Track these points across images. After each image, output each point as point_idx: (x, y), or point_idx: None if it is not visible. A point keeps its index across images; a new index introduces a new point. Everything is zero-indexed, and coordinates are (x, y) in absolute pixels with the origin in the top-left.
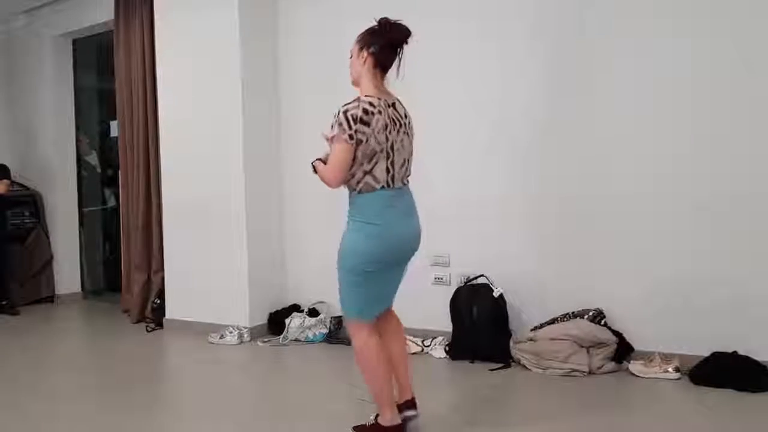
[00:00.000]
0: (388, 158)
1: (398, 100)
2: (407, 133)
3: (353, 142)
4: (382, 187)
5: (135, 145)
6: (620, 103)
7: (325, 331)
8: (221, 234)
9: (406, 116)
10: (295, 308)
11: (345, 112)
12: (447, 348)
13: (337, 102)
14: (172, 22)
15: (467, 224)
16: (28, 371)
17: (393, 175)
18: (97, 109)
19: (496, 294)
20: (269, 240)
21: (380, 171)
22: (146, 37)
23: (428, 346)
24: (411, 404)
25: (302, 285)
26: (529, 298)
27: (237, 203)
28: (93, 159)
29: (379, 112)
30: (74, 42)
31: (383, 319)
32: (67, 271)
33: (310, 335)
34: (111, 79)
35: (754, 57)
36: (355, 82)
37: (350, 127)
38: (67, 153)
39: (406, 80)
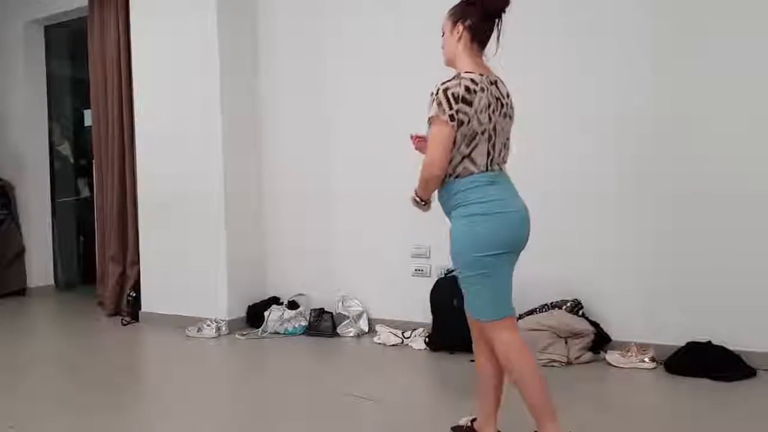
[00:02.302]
0: (489, 140)
1: (499, 79)
2: (509, 115)
3: (454, 123)
4: (481, 171)
5: (110, 135)
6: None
7: (304, 323)
8: (199, 225)
9: (508, 96)
10: (275, 301)
11: (445, 91)
12: (427, 339)
13: (318, 100)
14: (149, 9)
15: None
16: None
17: (492, 159)
18: (70, 98)
19: None
20: (248, 231)
21: (480, 155)
22: (121, 24)
23: (408, 337)
24: None
25: (282, 277)
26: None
27: (216, 193)
28: (65, 149)
29: (482, 90)
30: (46, 29)
31: (507, 333)
32: (40, 264)
33: (290, 328)
34: (85, 67)
35: None
36: (450, 62)
37: (451, 107)
38: (39, 143)
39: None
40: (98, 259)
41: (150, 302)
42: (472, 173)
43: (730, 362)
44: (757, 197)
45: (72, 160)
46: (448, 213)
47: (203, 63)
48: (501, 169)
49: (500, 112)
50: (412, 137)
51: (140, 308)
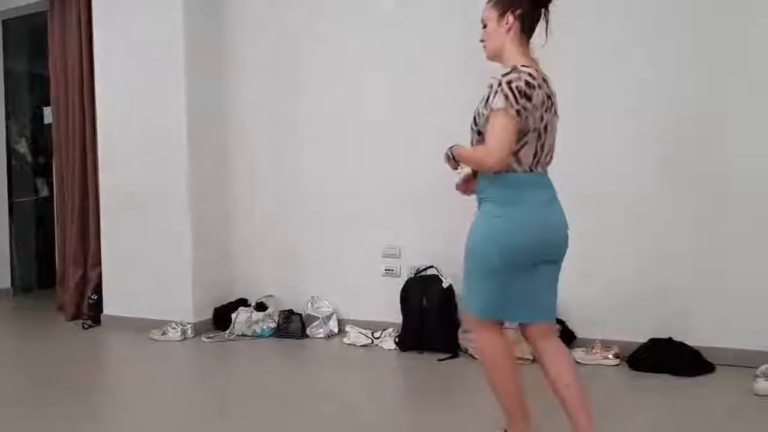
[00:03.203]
0: (539, 140)
1: (547, 75)
2: (557, 114)
3: (520, 118)
4: (524, 171)
5: (70, 133)
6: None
7: (273, 325)
8: (163, 225)
9: (555, 94)
10: (242, 302)
11: (509, 83)
12: (397, 339)
13: (286, 101)
14: (112, 5)
15: (418, 215)
16: None
17: (539, 160)
18: (28, 95)
19: (445, 285)
20: (215, 231)
21: (527, 154)
22: (83, 20)
23: (378, 338)
24: None
25: (250, 278)
26: None
27: (180, 193)
28: (22, 146)
29: (539, 86)
30: (4, 23)
31: (538, 339)
32: None
33: (258, 330)
34: (44, 63)
35: None
36: (495, 56)
37: (517, 101)
38: None
39: None
40: (58, 261)
41: (112, 305)
42: (515, 171)
43: (690, 358)
44: (713, 198)
45: (30, 159)
46: (480, 201)
47: (168, 62)
48: (545, 171)
49: (550, 111)
50: (458, 187)
51: (102, 311)
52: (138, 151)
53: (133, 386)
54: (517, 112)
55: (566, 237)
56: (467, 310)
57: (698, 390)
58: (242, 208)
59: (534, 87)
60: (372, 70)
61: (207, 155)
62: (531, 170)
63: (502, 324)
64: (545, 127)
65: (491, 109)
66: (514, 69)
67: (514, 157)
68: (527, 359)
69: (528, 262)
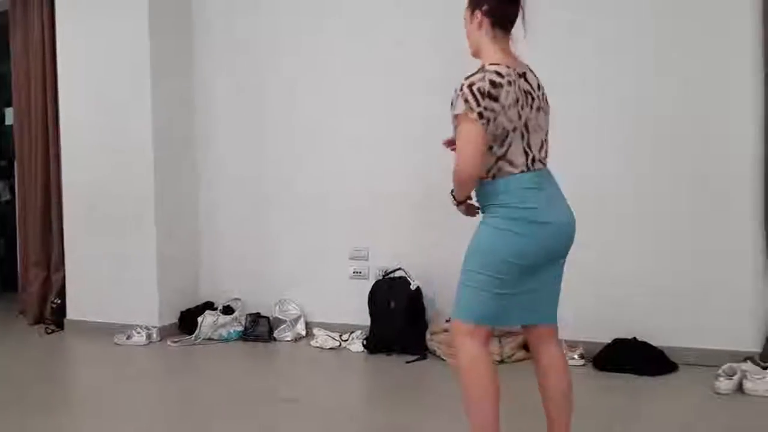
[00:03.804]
0: (523, 139)
1: (529, 69)
2: (542, 109)
3: (484, 121)
4: (522, 171)
5: (33, 134)
6: None
7: (240, 328)
8: (128, 228)
9: (539, 88)
10: (209, 306)
11: (470, 86)
12: (364, 342)
13: (253, 102)
14: (75, 6)
15: (386, 218)
16: None
17: (533, 158)
18: None
19: (412, 287)
20: (180, 234)
21: (517, 154)
22: (46, 21)
23: (346, 340)
24: None
25: (216, 282)
26: (445, 290)
27: (146, 196)
28: None
29: (509, 83)
30: None
31: (538, 342)
32: None
33: (224, 333)
34: (6, 64)
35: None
36: (475, 54)
37: (478, 104)
38: None
39: None
40: (20, 265)
41: (76, 309)
42: (512, 173)
43: (653, 358)
44: (674, 198)
45: None
46: (482, 209)
47: (133, 63)
48: (544, 168)
49: (531, 107)
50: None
51: (65, 316)
52: (102, 153)
53: (97, 391)
54: (479, 114)
55: (573, 232)
56: (459, 319)
57: (662, 389)
58: (209, 210)
59: (501, 86)
60: (340, 73)
61: (173, 157)
62: (528, 169)
63: (490, 335)
64: (526, 125)
65: (453, 115)
66: (481, 69)
67: (504, 161)
68: (495, 360)
69: (533, 266)
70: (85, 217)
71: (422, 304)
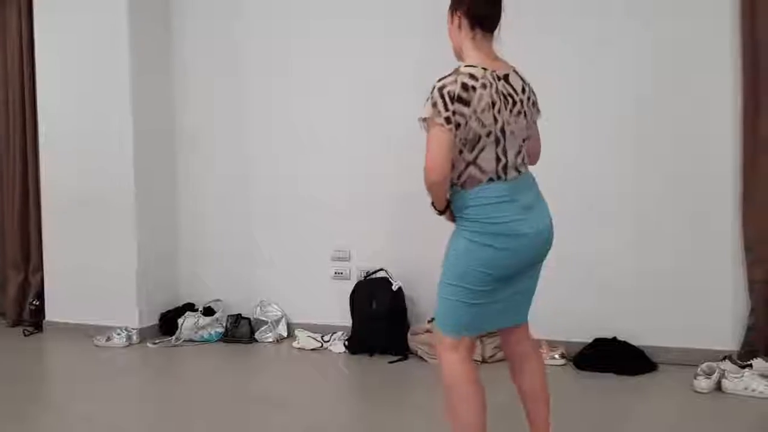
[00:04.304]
0: (497, 144)
1: (515, 71)
2: (524, 113)
3: (452, 126)
4: (491, 179)
5: (10, 133)
6: None
7: (220, 330)
8: (108, 229)
9: (524, 91)
10: (189, 307)
11: (441, 89)
12: (346, 343)
13: (235, 101)
14: (54, 4)
15: (368, 218)
16: None
17: (506, 165)
18: None
19: (394, 287)
20: (160, 235)
21: (488, 160)
22: (24, 11)
23: (328, 341)
24: None
25: (197, 283)
26: (427, 291)
27: (126, 197)
28: None
29: (483, 86)
30: None
31: (515, 342)
32: None
33: (205, 335)
34: None
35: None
36: (457, 55)
37: (446, 108)
38: None
39: None
40: None
41: (55, 311)
42: (480, 182)
43: (633, 358)
44: (655, 199)
45: None
46: (457, 218)
47: (112, 59)
48: (520, 173)
49: (511, 111)
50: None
51: (44, 318)
52: (81, 154)
53: (75, 394)
54: (447, 119)
55: (551, 238)
56: (441, 332)
57: (642, 388)
58: (189, 211)
59: (474, 89)
60: (323, 74)
61: (153, 157)
62: (499, 176)
63: (473, 347)
64: (502, 130)
65: (420, 119)
66: (455, 72)
67: (474, 166)
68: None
69: (506, 278)
70: (64, 218)
71: (404, 304)
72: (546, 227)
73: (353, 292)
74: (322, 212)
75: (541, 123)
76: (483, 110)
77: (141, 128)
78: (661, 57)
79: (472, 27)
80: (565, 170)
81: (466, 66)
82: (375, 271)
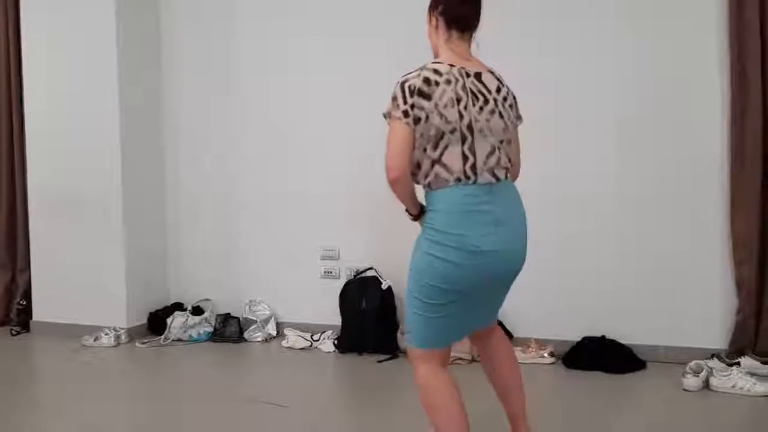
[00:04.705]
0: (463, 141)
1: (491, 71)
2: (499, 113)
3: (409, 119)
4: (458, 179)
5: None
6: None
7: (209, 329)
8: (96, 229)
9: (499, 91)
10: (178, 307)
11: (403, 83)
12: (336, 342)
13: (222, 99)
14: (41, 1)
15: (357, 217)
16: None
17: (474, 164)
18: None
19: (384, 286)
20: (149, 235)
21: (453, 159)
22: (10, 16)
23: (317, 340)
24: None
25: (186, 282)
26: None
27: (113, 197)
28: None
29: (447, 82)
30: None
31: (486, 342)
32: None
33: (194, 334)
34: None
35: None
36: (435, 54)
37: (405, 101)
38: None
39: None
40: None
41: (42, 311)
42: (447, 183)
43: (622, 356)
44: (642, 199)
45: None
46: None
47: (100, 58)
48: (497, 179)
49: (482, 108)
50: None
51: (31, 317)
52: (69, 151)
53: (63, 394)
54: (404, 113)
55: (520, 258)
56: (409, 344)
57: (631, 387)
58: (177, 210)
59: (437, 83)
60: (310, 72)
61: (141, 156)
62: (467, 177)
63: (447, 356)
64: (469, 126)
65: (383, 114)
66: (421, 67)
67: (440, 165)
68: (466, 359)
69: (471, 290)
70: (51, 217)
71: (393, 303)
72: (518, 246)
73: (342, 291)
74: (312, 211)
75: (528, 127)
76: (446, 105)
77: (129, 127)
78: (649, 59)
79: (448, 27)
80: (555, 171)
81: (432, 62)
82: (364, 270)
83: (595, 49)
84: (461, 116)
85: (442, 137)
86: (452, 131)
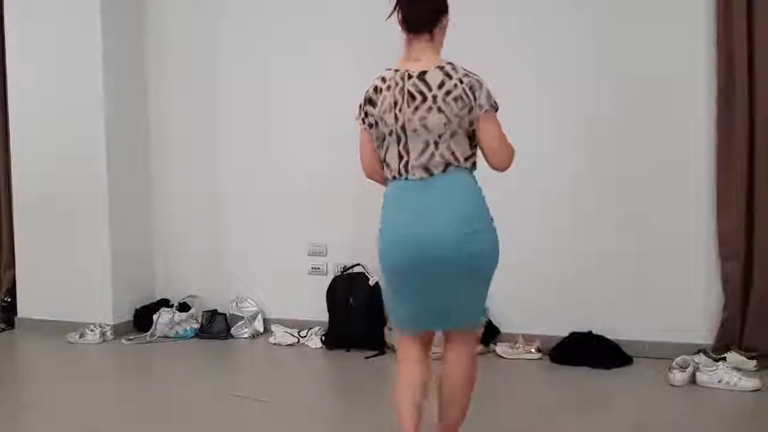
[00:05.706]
0: (399, 142)
1: (441, 66)
2: (438, 108)
3: (365, 126)
4: (394, 176)
5: None
6: None
7: (196, 326)
8: (81, 225)
9: (442, 86)
10: (164, 303)
11: (366, 92)
12: (323, 338)
13: (207, 98)
14: (25, 5)
15: (344, 213)
16: None
17: (407, 162)
18: None
19: (371, 282)
20: (135, 230)
21: (393, 159)
22: None
23: (304, 337)
24: None
25: (172, 278)
26: None
27: (99, 192)
28: None
29: (388, 88)
30: None
31: (445, 354)
32: None
33: (180, 331)
34: None
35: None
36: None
37: (361, 108)
38: None
39: None
40: None
41: (27, 307)
42: (389, 179)
43: (609, 351)
44: (633, 198)
45: None
46: None
47: (85, 60)
48: (431, 174)
49: (417, 108)
50: None
51: (16, 314)
52: (54, 147)
53: (47, 391)
54: (362, 120)
55: (450, 241)
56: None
57: (617, 381)
58: (164, 206)
59: (381, 90)
60: (294, 67)
61: (126, 152)
62: (400, 174)
63: (421, 348)
64: (403, 128)
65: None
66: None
67: (385, 164)
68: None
69: (406, 279)
70: (36, 214)
71: (381, 299)
72: (444, 232)
73: (330, 287)
74: (298, 207)
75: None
76: (385, 111)
77: (113, 126)
78: (636, 55)
79: (404, 30)
80: (540, 168)
81: (387, 68)
82: (352, 266)
83: (575, 46)
84: (396, 119)
85: (384, 139)
86: (390, 133)
